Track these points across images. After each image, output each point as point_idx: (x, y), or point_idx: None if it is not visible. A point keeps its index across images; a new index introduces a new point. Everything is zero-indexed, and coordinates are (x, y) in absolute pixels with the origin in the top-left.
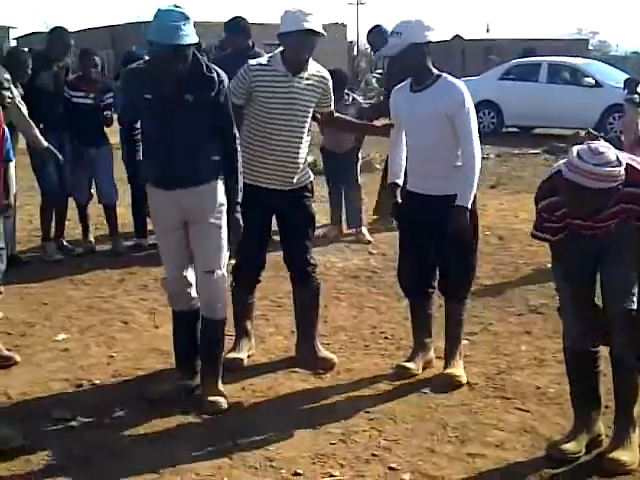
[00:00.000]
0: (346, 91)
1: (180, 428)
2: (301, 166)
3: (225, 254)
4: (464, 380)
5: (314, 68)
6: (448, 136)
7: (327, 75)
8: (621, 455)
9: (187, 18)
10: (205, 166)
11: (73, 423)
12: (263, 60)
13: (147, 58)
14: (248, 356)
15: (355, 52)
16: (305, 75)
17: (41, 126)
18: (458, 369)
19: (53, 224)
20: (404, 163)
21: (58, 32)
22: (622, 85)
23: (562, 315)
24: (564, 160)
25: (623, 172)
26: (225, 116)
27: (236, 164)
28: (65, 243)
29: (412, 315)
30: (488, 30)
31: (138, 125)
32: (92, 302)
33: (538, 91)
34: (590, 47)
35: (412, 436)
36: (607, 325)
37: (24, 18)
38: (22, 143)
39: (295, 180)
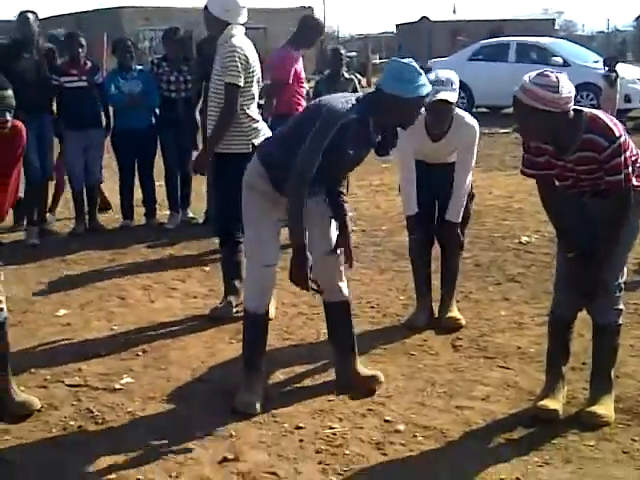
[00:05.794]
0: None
1: (189, 392)
2: None
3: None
4: (463, 322)
5: None
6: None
7: None
8: (598, 409)
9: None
10: None
11: (85, 389)
12: None
13: (356, 112)
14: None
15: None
16: None
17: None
18: (457, 312)
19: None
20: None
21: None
22: (589, 64)
23: (556, 286)
24: None
25: (561, 101)
26: None
27: None
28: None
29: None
30: (455, 11)
31: None
32: (87, 280)
33: (507, 71)
34: (556, 27)
35: (404, 393)
36: (589, 292)
37: None
38: None
39: None
